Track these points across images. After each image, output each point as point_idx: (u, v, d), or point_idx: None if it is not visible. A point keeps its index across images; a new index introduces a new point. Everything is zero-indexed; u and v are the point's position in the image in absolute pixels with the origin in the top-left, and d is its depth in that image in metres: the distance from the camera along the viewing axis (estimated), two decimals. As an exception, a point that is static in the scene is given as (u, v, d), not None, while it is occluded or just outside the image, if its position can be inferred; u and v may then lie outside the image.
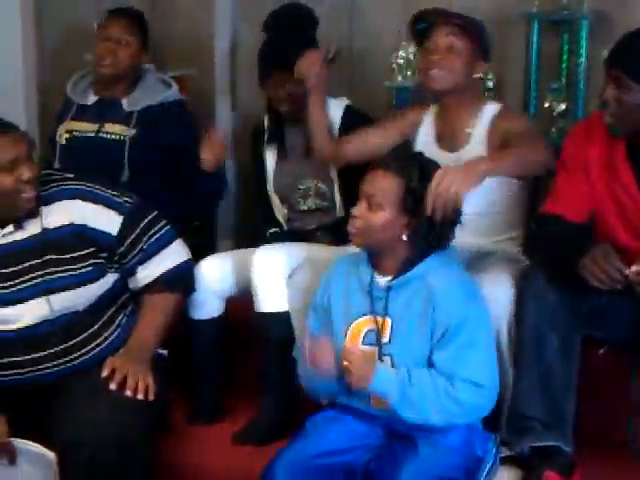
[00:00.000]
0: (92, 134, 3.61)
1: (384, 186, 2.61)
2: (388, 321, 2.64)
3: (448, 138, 3.14)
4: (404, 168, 2.62)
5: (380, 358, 2.63)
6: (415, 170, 2.61)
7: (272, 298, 3.05)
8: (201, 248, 3.56)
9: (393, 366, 2.62)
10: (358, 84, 3.98)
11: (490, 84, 3.78)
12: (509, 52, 3.79)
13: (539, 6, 3.67)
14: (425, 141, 3.19)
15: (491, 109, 3.12)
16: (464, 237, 2.77)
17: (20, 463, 2.69)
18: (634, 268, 2.52)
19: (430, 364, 2.60)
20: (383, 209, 2.61)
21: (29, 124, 3.83)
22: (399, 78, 3.83)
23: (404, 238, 2.62)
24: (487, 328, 2.65)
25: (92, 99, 3.69)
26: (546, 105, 3.70)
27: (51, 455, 2.67)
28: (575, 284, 2.62)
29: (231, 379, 3.31)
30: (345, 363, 2.56)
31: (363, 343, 2.66)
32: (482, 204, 3.03)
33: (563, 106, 3.68)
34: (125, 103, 3.63)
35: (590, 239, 2.72)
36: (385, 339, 2.64)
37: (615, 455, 2.87)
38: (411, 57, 3.81)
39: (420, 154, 2.76)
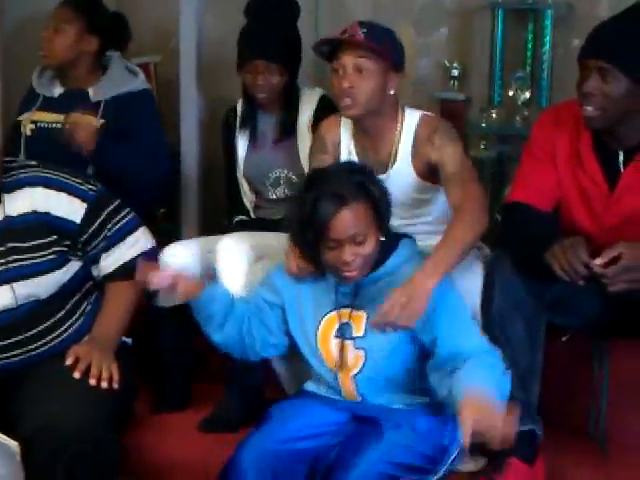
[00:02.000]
0: (59, 125, 3.57)
1: (358, 220, 2.55)
2: (362, 315, 2.65)
3: (373, 159, 3.01)
4: (358, 192, 2.56)
5: (348, 351, 2.64)
6: (358, 190, 2.56)
7: (236, 287, 3.05)
8: (166, 235, 3.56)
9: (366, 361, 2.63)
10: (324, 74, 3.97)
11: (455, 73, 3.80)
12: (474, 41, 3.82)
13: (504, -5, 3.69)
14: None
15: (410, 122, 2.98)
16: (431, 240, 2.81)
17: None
18: (598, 261, 2.53)
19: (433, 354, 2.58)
20: (369, 237, 2.57)
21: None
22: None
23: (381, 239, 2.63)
24: (464, 305, 2.65)
25: (58, 90, 3.67)
26: (510, 94, 3.73)
27: (13, 444, 2.64)
28: (541, 271, 2.64)
29: (197, 366, 3.30)
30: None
31: (335, 336, 2.67)
32: (416, 214, 3.06)
33: (527, 95, 3.72)
34: (91, 93, 3.60)
35: (556, 228, 2.74)
36: (359, 333, 2.65)
37: (577, 441, 2.90)
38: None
39: (345, 170, 2.67)
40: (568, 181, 2.82)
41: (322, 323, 2.70)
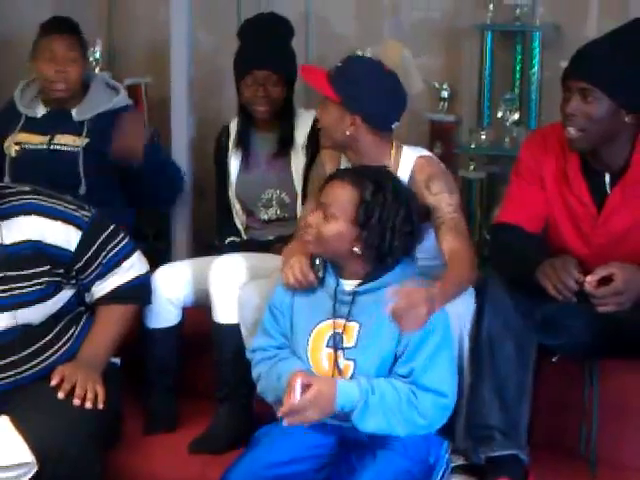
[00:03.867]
0: (43, 146, 3.57)
1: (339, 196, 2.62)
2: (355, 326, 2.64)
3: None
4: (360, 180, 2.62)
5: (339, 365, 2.63)
6: (370, 183, 2.61)
7: (228, 309, 3.05)
8: (157, 255, 3.56)
9: (354, 372, 2.62)
10: (312, 93, 3.99)
11: (444, 94, 3.82)
12: (463, 63, 3.84)
13: (492, 18, 3.72)
14: None
15: (407, 161, 2.95)
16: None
17: None
18: (589, 278, 2.55)
19: (391, 373, 2.60)
20: (336, 219, 2.61)
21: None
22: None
23: (357, 251, 2.62)
24: (449, 339, 2.66)
25: (41, 111, 3.64)
26: (499, 115, 3.75)
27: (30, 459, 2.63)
28: (531, 292, 2.66)
29: (186, 388, 3.29)
30: (301, 417, 2.49)
31: (327, 346, 2.66)
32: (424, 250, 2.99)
33: (516, 116, 3.73)
34: (74, 113, 3.58)
35: (545, 249, 2.75)
36: (350, 343, 2.64)
37: (567, 461, 2.88)
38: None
39: (380, 169, 2.73)
40: (556, 202, 2.84)
41: (314, 332, 2.69)
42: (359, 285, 2.65)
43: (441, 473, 2.64)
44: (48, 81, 3.54)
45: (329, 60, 3.94)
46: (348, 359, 2.63)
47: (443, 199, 2.87)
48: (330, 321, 2.67)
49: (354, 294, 2.65)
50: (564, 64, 2.76)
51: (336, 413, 2.55)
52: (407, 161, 2.95)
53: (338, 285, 2.68)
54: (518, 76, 3.76)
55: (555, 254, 2.66)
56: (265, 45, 3.40)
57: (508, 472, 2.68)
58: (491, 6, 3.69)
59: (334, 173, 2.71)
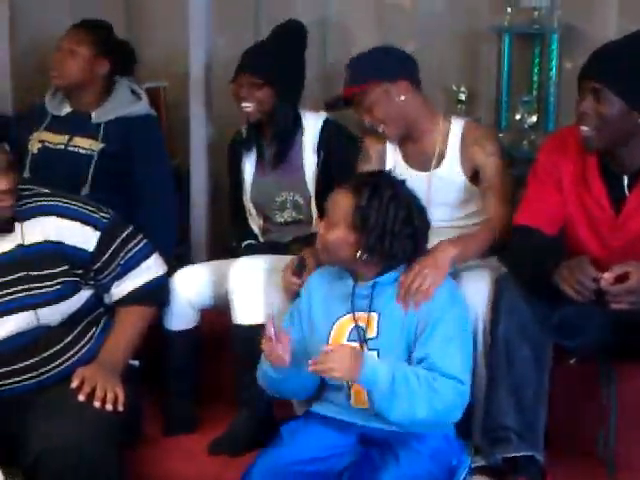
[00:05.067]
0: (62, 146, 3.61)
1: (338, 204, 2.66)
2: (375, 316, 2.66)
3: (418, 159, 3.16)
4: (358, 186, 2.65)
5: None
6: (367, 188, 2.63)
7: (248, 310, 3.06)
8: (176, 258, 3.58)
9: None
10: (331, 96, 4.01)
11: (462, 97, 3.82)
12: (481, 65, 3.84)
13: (510, 20, 3.71)
14: (395, 167, 3.15)
15: (458, 127, 3.13)
16: None
17: None
18: (606, 275, 2.55)
19: (410, 361, 2.60)
20: (337, 226, 2.64)
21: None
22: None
23: (360, 256, 2.63)
24: (466, 328, 2.67)
25: (66, 111, 3.69)
26: (517, 118, 3.74)
27: None
28: (547, 294, 2.66)
29: (206, 390, 3.31)
30: (329, 364, 2.49)
31: (349, 340, 2.67)
32: (455, 216, 3.11)
33: (534, 119, 3.72)
34: (94, 115, 3.63)
35: (562, 251, 2.76)
36: (372, 334, 2.65)
37: (585, 463, 2.89)
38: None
39: (381, 174, 2.79)
40: (574, 205, 2.84)
41: (335, 327, 2.70)
42: (376, 277, 2.67)
43: (463, 476, 2.65)
44: (50, 69, 3.62)
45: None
46: (371, 349, 2.64)
47: (494, 162, 3.05)
48: (349, 315, 2.68)
49: (374, 285, 2.66)
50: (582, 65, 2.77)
51: (358, 381, 2.52)
52: (457, 126, 3.13)
53: (355, 286, 2.69)
54: (536, 78, 3.75)
55: (572, 256, 2.66)
56: (255, 51, 3.48)
57: (526, 473, 2.69)
58: (509, 8, 3.69)
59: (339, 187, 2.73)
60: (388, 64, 3.12)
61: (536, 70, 3.75)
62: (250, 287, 3.07)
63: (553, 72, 3.67)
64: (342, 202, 2.65)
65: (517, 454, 2.71)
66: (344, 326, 2.69)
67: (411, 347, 2.62)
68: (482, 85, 3.84)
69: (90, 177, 3.54)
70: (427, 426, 2.61)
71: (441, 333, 2.58)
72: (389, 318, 2.65)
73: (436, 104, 3.86)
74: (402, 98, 3.08)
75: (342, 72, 3.88)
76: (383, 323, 2.65)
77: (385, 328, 2.64)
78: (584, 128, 2.71)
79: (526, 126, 3.73)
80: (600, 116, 2.67)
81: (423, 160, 3.14)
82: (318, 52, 3.99)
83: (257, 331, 3.01)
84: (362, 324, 2.66)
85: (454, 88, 3.85)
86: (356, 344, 2.64)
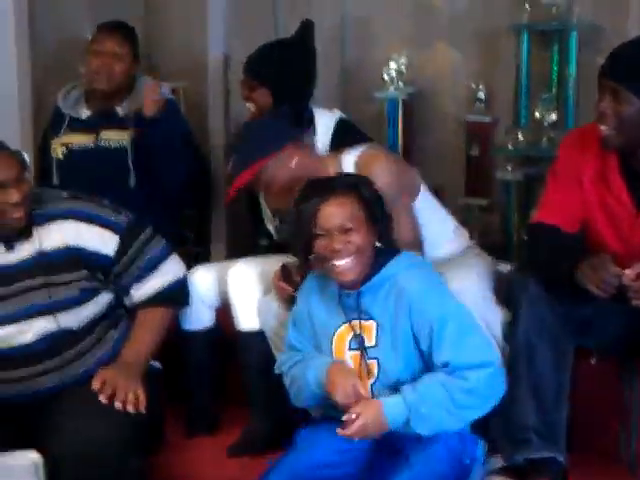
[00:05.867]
0: (91, 145, 3.62)
1: (345, 210, 2.58)
2: (372, 324, 2.64)
3: None
4: (348, 188, 2.61)
5: (365, 362, 2.64)
6: (354, 186, 2.62)
7: (247, 316, 3.08)
8: (196, 258, 3.59)
9: (379, 371, 2.63)
10: (349, 95, 4.01)
11: (481, 95, 3.81)
12: (499, 63, 3.82)
13: (529, 17, 3.68)
14: None
15: (348, 164, 3.00)
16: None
17: None
18: (628, 271, 2.55)
19: (433, 366, 2.59)
20: (359, 230, 2.59)
21: (24, 138, 3.82)
22: (391, 89, 3.86)
23: (376, 245, 2.63)
24: (468, 311, 2.65)
25: (86, 113, 3.70)
26: (537, 115, 3.71)
27: (32, 459, 2.66)
28: (568, 293, 2.65)
29: (229, 391, 3.31)
30: (360, 430, 2.54)
31: (350, 349, 2.67)
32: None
33: (554, 116, 3.69)
34: (120, 109, 3.65)
35: (582, 249, 2.74)
36: (371, 342, 2.65)
37: (607, 464, 2.87)
38: (403, 68, 3.84)
39: (340, 174, 2.79)
40: (594, 202, 2.83)
41: (335, 337, 2.70)
42: (361, 284, 2.64)
43: (477, 474, 2.64)
44: (93, 73, 3.60)
45: (365, 64, 3.98)
46: (371, 358, 2.64)
47: None
48: (346, 325, 2.68)
49: (358, 295, 2.65)
50: (601, 63, 2.76)
51: (392, 429, 2.56)
52: (347, 168, 2.98)
53: (341, 291, 2.67)
54: (555, 76, 3.72)
55: (592, 254, 2.65)
56: (255, 54, 3.50)
57: (547, 474, 2.68)
58: (527, 5, 3.67)
59: (319, 199, 2.59)
60: (268, 136, 3.02)
61: (555, 67, 3.71)
62: (246, 293, 3.07)
63: (572, 69, 3.64)
64: (346, 208, 2.59)
65: (538, 455, 2.70)
66: (343, 337, 2.69)
67: (409, 354, 2.61)
68: (501, 83, 3.82)
69: (132, 168, 3.56)
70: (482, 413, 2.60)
71: (451, 331, 2.56)
72: (386, 325, 2.63)
73: (455, 103, 3.90)
74: (289, 166, 2.98)
75: (362, 69, 3.93)
76: (381, 331, 2.63)
77: (383, 337, 2.63)
78: (603, 127, 2.70)
79: (545, 124, 3.70)
80: (619, 116, 2.65)
81: None
82: (337, 50, 3.99)
83: (260, 335, 3.04)
84: (358, 331, 2.65)
85: (473, 86, 3.83)
86: (357, 353, 2.65)
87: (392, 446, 2.64)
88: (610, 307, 2.67)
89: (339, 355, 2.69)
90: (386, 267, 2.63)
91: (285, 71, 3.46)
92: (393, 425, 2.54)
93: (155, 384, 2.95)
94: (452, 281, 2.80)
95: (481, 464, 2.66)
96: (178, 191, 3.65)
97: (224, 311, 3.26)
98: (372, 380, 2.65)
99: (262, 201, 3.54)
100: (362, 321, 2.65)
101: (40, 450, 2.71)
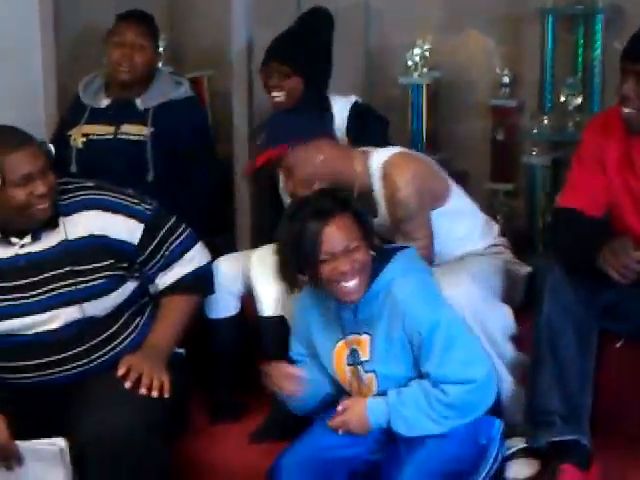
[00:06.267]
0: (110, 136, 3.63)
1: (347, 231, 2.58)
2: (366, 338, 2.66)
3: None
4: (341, 206, 2.60)
5: (361, 376, 2.68)
6: (345, 200, 2.63)
7: (269, 302, 3.08)
8: (222, 248, 3.60)
9: (379, 382, 2.66)
10: (374, 82, 4.00)
11: (506, 80, 3.79)
12: (524, 48, 3.80)
13: (554, 1, 3.67)
14: None
15: (376, 167, 2.99)
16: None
17: (27, 463, 2.72)
18: None
19: (419, 375, 2.63)
20: (359, 247, 2.59)
21: (48, 128, 3.85)
22: (415, 75, 3.85)
23: (373, 254, 2.64)
24: (460, 324, 2.66)
25: (105, 102, 3.70)
26: (562, 100, 3.70)
27: (58, 445, 2.69)
28: (592, 278, 2.64)
29: (253, 377, 3.31)
30: (345, 423, 2.65)
31: (348, 364, 2.70)
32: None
33: (579, 100, 3.68)
34: (139, 102, 3.64)
35: (607, 233, 2.73)
36: (366, 357, 2.67)
37: (633, 447, 2.86)
38: (427, 54, 3.83)
39: (324, 190, 2.74)
40: (619, 186, 2.81)
41: (334, 354, 2.73)
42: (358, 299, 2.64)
43: (494, 453, 2.64)
44: (114, 64, 3.61)
45: (388, 51, 3.98)
46: (368, 371, 2.67)
47: (403, 226, 2.93)
48: (344, 340, 2.70)
49: (356, 308, 2.65)
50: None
51: (374, 429, 2.63)
52: (375, 172, 2.98)
53: (338, 305, 2.68)
54: (580, 60, 3.70)
55: (614, 238, 2.64)
56: (282, 39, 3.47)
57: (572, 457, 2.66)
58: (552, -11, 3.66)
59: (314, 225, 2.57)
60: (305, 123, 3.04)
61: (580, 51, 3.69)
62: (268, 280, 3.07)
63: (598, 53, 3.63)
64: (347, 228, 2.58)
65: (562, 438, 2.68)
66: (341, 353, 2.71)
67: (406, 363, 2.63)
68: (526, 68, 3.80)
69: (151, 163, 3.56)
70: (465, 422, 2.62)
71: (439, 342, 2.57)
72: (380, 338, 2.64)
73: (480, 88, 3.89)
74: (319, 158, 2.96)
75: (386, 55, 3.92)
76: (375, 345, 2.65)
77: (377, 350, 2.65)
78: (627, 110, 2.68)
79: (571, 108, 3.68)
80: None
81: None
82: (361, 36, 3.98)
83: (281, 321, 3.05)
84: (356, 347, 2.68)
85: (498, 71, 3.82)
86: (355, 368, 2.68)
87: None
88: (634, 292, 2.65)
89: (339, 370, 2.73)
90: (382, 273, 2.64)
91: (317, 58, 3.46)
92: (375, 423, 2.61)
93: (179, 370, 2.96)
94: (445, 287, 2.78)
95: (497, 444, 2.65)
96: (207, 195, 3.65)
97: (249, 299, 3.27)
98: (373, 392, 2.68)
99: (282, 190, 3.54)
100: (357, 335, 2.67)
101: (67, 436, 2.73)
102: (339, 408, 2.66)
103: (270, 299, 3.06)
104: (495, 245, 3.16)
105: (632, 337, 2.84)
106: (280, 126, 3.05)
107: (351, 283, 2.59)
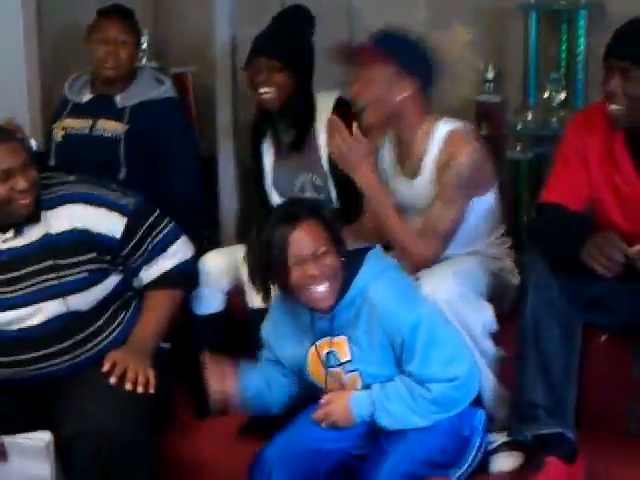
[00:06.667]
0: (86, 131, 3.62)
1: (315, 236, 2.57)
2: (343, 339, 2.66)
3: (407, 163, 3.07)
4: (309, 211, 2.61)
5: (341, 377, 2.69)
6: (314, 207, 2.65)
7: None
8: (207, 242, 3.60)
9: (364, 380, 2.66)
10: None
11: (490, 75, 3.79)
12: (508, 43, 3.80)
13: (537, -3, 3.68)
14: (385, 169, 3.13)
15: (440, 134, 2.98)
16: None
17: (12, 458, 2.72)
18: (636, 248, 2.55)
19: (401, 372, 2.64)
20: (329, 253, 2.59)
21: (33, 123, 3.84)
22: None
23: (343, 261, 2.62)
24: (439, 320, 2.67)
25: (87, 97, 3.69)
26: (546, 95, 3.70)
27: (40, 442, 2.69)
28: (575, 272, 2.65)
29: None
30: (328, 416, 2.66)
31: (327, 366, 2.69)
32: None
33: (563, 96, 3.68)
34: (118, 99, 3.63)
35: (589, 228, 2.74)
36: (346, 357, 2.66)
37: (618, 441, 2.87)
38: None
39: (293, 199, 2.82)
40: (602, 181, 2.82)
41: (308, 359, 2.72)
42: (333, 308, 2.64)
43: (477, 444, 2.65)
44: (100, 61, 3.59)
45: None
46: (350, 371, 2.67)
47: (445, 193, 2.91)
48: (313, 347, 2.69)
49: (332, 318, 2.65)
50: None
51: (358, 422, 2.64)
52: (441, 132, 2.97)
53: (313, 317, 2.67)
54: (564, 55, 3.71)
55: (597, 232, 2.65)
56: (270, 33, 3.44)
57: (557, 450, 2.67)
58: (535, -15, 3.66)
59: (283, 231, 2.57)
60: (415, 56, 2.99)
61: (564, 47, 3.70)
62: None
63: (581, 49, 3.63)
64: (315, 233, 2.57)
65: (546, 431, 2.70)
66: (315, 358, 2.70)
67: (393, 361, 2.64)
68: (509, 63, 3.80)
69: (123, 161, 3.55)
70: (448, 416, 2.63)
71: (421, 342, 2.58)
72: (358, 339, 2.64)
73: (464, 83, 3.89)
74: (403, 95, 2.95)
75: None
76: (355, 345, 2.65)
77: (358, 349, 2.65)
78: (612, 107, 2.70)
79: (554, 104, 3.69)
80: (629, 96, 2.66)
81: (409, 165, 3.05)
82: (343, 33, 3.97)
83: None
84: (333, 349, 2.67)
85: (482, 66, 3.82)
86: (335, 370, 2.68)
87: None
88: (619, 285, 2.67)
89: (316, 374, 2.73)
90: (355, 281, 2.63)
91: (305, 53, 3.45)
92: (358, 416, 2.62)
93: (165, 366, 2.97)
94: (426, 284, 2.80)
95: (480, 434, 2.67)
96: (183, 196, 3.62)
97: (235, 295, 3.27)
98: (358, 388, 2.68)
99: (267, 183, 3.53)
100: (332, 338, 2.67)
101: (53, 431, 2.74)
102: (322, 401, 2.67)
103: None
104: (497, 248, 3.15)
105: (616, 331, 2.85)
106: (404, 43, 2.99)
107: (321, 287, 2.58)
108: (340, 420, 2.65)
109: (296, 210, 2.62)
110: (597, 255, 2.56)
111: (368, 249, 2.72)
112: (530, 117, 3.73)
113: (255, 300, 3.07)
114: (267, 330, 2.82)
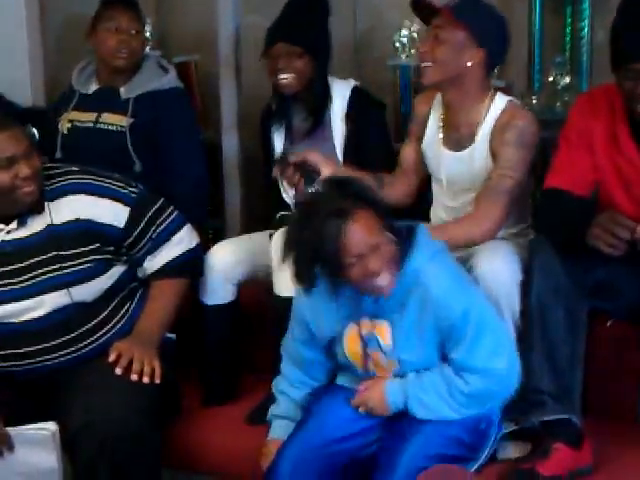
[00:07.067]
0: (90, 124, 3.60)
1: (369, 228, 2.46)
2: (385, 324, 2.60)
3: (454, 134, 3.06)
4: (355, 201, 2.46)
5: (379, 360, 2.65)
6: (358, 194, 2.50)
7: (286, 282, 3.06)
8: (211, 231, 3.59)
9: (401, 367, 2.63)
10: (362, 63, 3.99)
11: (494, 59, 3.77)
12: (512, 27, 3.74)
13: (541, -20, 3.66)
14: (431, 141, 3.12)
15: (497, 106, 3.00)
16: None
17: (18, 449, 2.71)
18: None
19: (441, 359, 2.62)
20: (385, 240, 2.49)
21: (36, 114, 3.82)
22: (403, 57, 3.83)
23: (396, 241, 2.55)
24: (490, 310, 2.64)
25: (93, 88, 3.66)
26: (550, 79, 3.69)
27: (46, 432, 2.69)
28: (581, 256, 2.64)
29: (244, 362, 3.32)
30: (366, 403, 2.66)
31: (365, 349, 2.65)
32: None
33: (567, 79, 3.68)
34: (123, 90, 3.60)
35: (594, 211, 2.73)
36: (387, 343, 2.62)
37: (624, 426, 2.88)
38: (415, 35, 3.81)
39: (331, 188, 2.55)
40: (606, 165, 2.81)
41: (346, 337, 2.67)
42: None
43: (493, 438, 2.65)
44: (111, 50, 3.55)
45: (376, 33, 3.96)
46: (390, 358, 2.63)
47: (505, 152, 2.91)
48: (354, 325, 2.64)
49: (386, 299, 2.58)
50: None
51: (393, 411, 2.63)
52: (499, 104, 3.00)
53: (360, 296, 2.61)
54: (568, 39, 3.70)
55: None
56: (289, 19, 3.39)
57: (563, 436, 2.67)
58: (540, -32, 3.65)
59: (332, 226, 2.42)
60: (490, 28, 2.98)
61: (568, 30, 3.69)
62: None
63: (585, 32, 3.62)
64: (369, 225, 2.46)
65: (553, 417, 2.69)
66: (355, 337, 2.65)
67: (430, 350, 2.61)
68: (514, 47, 3.72)
69: (134, 154, 3.52)
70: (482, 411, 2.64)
71: (470, 330, 2.54)
72: (403, 326, 2.59)
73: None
74: (469, 63, 2.95)
75: (374, 37, 3.89)
76: (398, 331, 2.59)
77: (401, 336, 2.60)
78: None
79: (559, 87, 3.68)
80: None
81: (455, 137, 3.05)
82: (349, 19, 3.96)
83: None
84: (375, 333, 2.62)
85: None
86: (374, 352, 2.64)
87: (406, 414, 2.64)
88: (625, 269, 2.66)
89: (352, 353, 2.68)
90: (409, 262, 2.55)
91: (323, 38, 3.42)
92: (393, 405, 2.61)
93: (170, 355, 2.97)
94: (480, 265, 2.78)
95: (496, 429, 2.67)
96: (190, 187, 3.58)
97: (248, 284, 3.27)
98: (394, 371, 2.65)
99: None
100: (374, 320, 2.62)
101: (58, 423, 2.73)
102: (360, 387, 2.67)
103: (287, 279, 3.03)
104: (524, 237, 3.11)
105: (622, 316, 2.84)
106: (483, 14, 2.99)
107: (384, 279, 2.50)
108: (376, 407, 2.64)
109: (342, 204, 2.45)
110: (602, 235, 2.55)
111: (413, 226, 2.63)
112: (535, 101, 3.72)
113: (284, 289, 3.03)
114: (301, 304, 2.73)
